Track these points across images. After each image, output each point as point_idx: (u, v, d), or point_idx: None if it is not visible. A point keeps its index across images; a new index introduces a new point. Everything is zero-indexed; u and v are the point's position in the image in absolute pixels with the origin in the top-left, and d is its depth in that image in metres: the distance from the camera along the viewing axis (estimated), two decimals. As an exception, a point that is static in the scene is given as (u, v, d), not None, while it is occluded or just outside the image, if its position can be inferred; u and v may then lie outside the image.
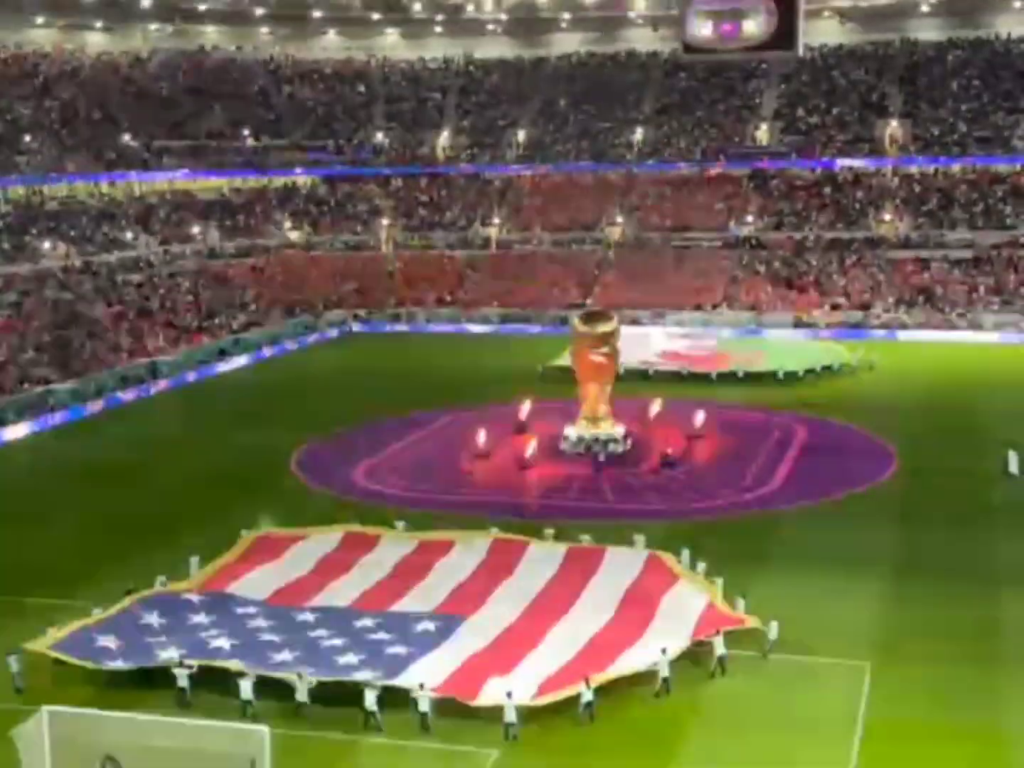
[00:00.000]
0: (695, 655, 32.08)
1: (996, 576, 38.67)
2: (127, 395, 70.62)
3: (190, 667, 31.15)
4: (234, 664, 31.04)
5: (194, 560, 39.29)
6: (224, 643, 33.13)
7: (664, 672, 30.86)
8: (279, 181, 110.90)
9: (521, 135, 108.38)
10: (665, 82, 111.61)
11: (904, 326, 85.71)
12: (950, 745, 28.17)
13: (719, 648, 31.99)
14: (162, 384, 73.90)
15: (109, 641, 33.10)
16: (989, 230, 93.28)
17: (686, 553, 38.60)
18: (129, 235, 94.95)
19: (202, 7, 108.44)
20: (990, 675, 31.66)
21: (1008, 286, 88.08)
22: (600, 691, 29.73)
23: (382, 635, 33.94)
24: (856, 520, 44.88)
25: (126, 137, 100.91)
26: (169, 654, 32.06)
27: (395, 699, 29.88)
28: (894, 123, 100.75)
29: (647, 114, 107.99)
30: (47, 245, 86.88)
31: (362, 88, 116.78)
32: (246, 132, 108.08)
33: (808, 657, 32.82)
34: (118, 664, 32.09)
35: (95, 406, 67.80)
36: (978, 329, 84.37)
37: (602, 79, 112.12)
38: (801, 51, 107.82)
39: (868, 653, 32.85)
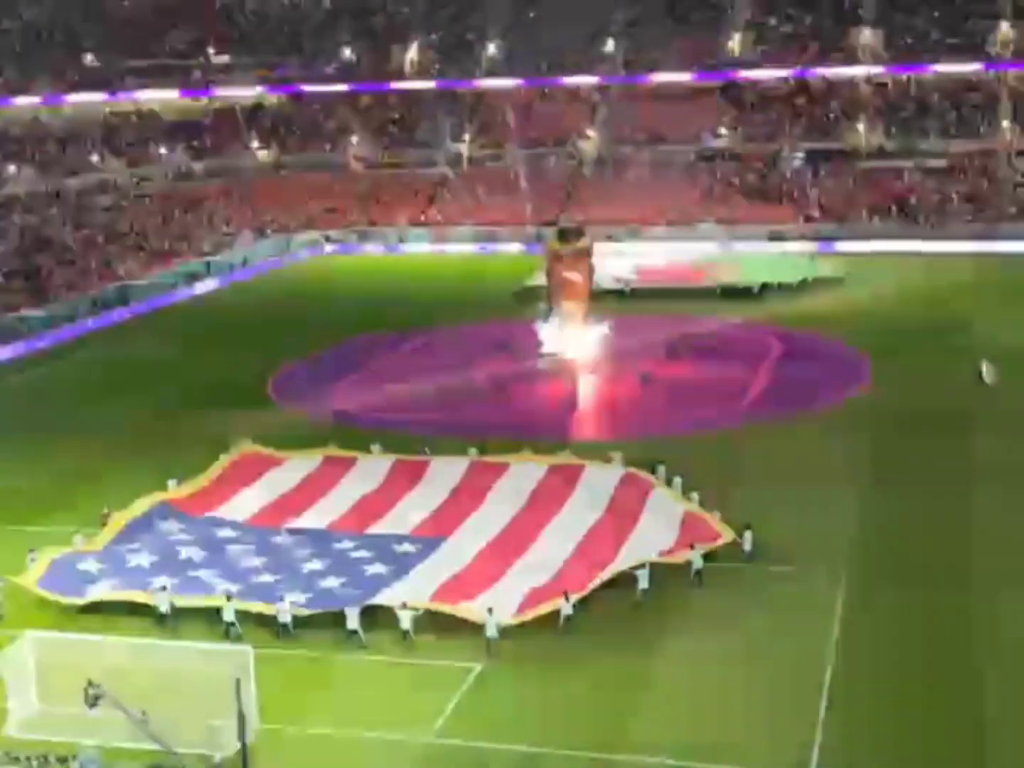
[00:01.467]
0: (672, 567, 32.34)
1: (969, 483, 39.05)
2: (100, 320, 70.09)
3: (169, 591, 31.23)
4: (220, 600, 30.95)
5: (172, 483, 39.30)
6: (208, 572, 33.12)
7: (643, 584, 31.18)
8: (246, 100, 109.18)
9: (491, 48, 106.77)
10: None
11: (878, 236, 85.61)
12: (924, 648, 28.64)
13: (697, 561, 32.29)
14: (134, 308, 73.33)
15: (92, 567, 33.19)
16: (963, 139, 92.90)
17: (662, 469, 38.81)
18: (96, 158, 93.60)
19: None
20: (964, 580, 32.11)
21: (981, 195, 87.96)
22: (579, 603, 30.04)
23: (363, 554, 34.10)
24: (832, 431, 45.18)
25: (89, 58, 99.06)
26: (156, 583, 32.01)
27: (377, 617, 30.11)
28: (867, 31, 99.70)
29: (619, 25, 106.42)
30: (12, 170, 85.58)
31: (328, 3, 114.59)
32: (212, 51, 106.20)
33: (784, 567, 33.18)
34: (101, 587, 32.19)
35: (68, 331, 67.27)
36: (952, 238, 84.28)
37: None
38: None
39: (844, 562, 33.25)
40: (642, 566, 31.53)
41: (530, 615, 29.84)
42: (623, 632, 30.03)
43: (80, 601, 31.77)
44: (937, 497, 37.98)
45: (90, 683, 25.70)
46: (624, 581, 31.55)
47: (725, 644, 29.36)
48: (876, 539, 35.02)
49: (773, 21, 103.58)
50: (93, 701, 25.75)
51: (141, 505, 37.28)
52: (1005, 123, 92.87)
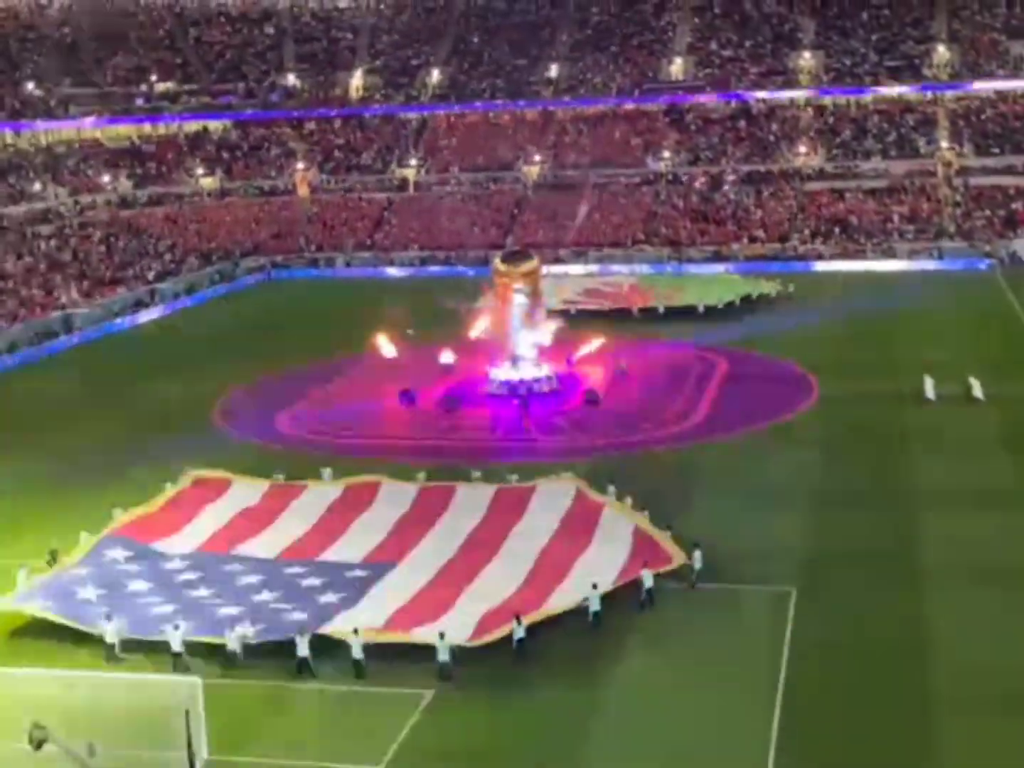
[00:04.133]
0: (624, 588, 32.38)
1: (914, 499, 39.45)
2: (41, 350, 69.28)
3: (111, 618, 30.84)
4: (168, 636, 30.55)
5: (117, 511, 38.87)
6: (159, 605, 32.68)
7: (595, 606, 31.18)
8: (190, 127, 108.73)
9: (435, 74, 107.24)
10: (578, 17, 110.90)
11: (820, 256, 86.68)
12: (875, 667, 28.80)
13: (647, 580, 32.35)
14: (77, 337, 72.60)
15: (38, 603, 32.70)
16: (902, 159, 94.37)
17: (612, 488, 38.90)
18: (38, 186, 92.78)
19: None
20: (912, 597, 32.36)
21: (921, 214, 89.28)
22: (531, 627, 29.97)
23: (313, 582, 33.87)
24: (778, 449, 45.48)
25: (30, 85, 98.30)
26: (106, 620, 31.54)
27: (328, 645, 29.90)
28: (807, 54, 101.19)
29: (562, 50, 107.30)
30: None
31: (271, 30, 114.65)
32: (154, 78, 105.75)
33: (735, 585, 33.32)
34: (48, 606, 31.69)
35: (9, 361, 66.44)
36: (893, 257, 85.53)
37: (515, 15, 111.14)
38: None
39: (793, 579, 33.42)
40: (593, 587, 31.54)
41: (484, 639, 29.72)
42: (576, 655, 29.97)
43: (24, 608, 31.24)
44: (885, 514, 38.29)
45: (35, 725, 25.25)
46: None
47: (677, 664, 29.41)
48: (825, 556, 35.21)
49: (713, 45, 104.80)
50: (38, 744, 25.33)
51: (88, 541, 36.77)
52: (943, 143, 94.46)
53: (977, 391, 50.27)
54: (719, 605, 32.39)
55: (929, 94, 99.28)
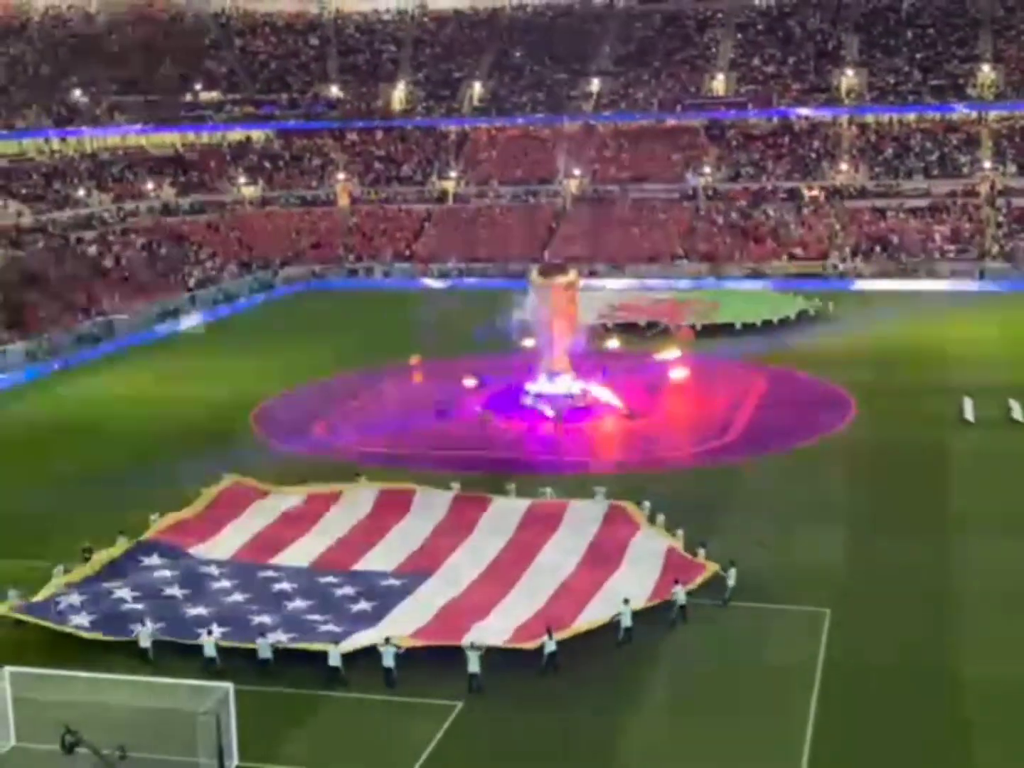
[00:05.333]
0: (657, 604, 32.28)
1: (952, 521, 39.14)
2: (83, 354, 69.89)
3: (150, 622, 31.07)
4: (201, 640, 30.74)
5: (154, 517, 39.14)
6: (192, 608, 32.93)
7: (626, 622, 31.09)
8: (233, 136, 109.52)
9: (477, 87, 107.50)
10: (621, 33, 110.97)
11: (860, 275, 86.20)
12: (908, 691, 28.55)
13: (680, 598, 32.23)
14: (118, 342, 73.17)
15: (74, 600, 32.92)
16: (944, 178, 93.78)
17: (647, 504, 38.79)
18: (82, 192, 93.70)
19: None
20: (948, 621, 32.09)
21: (963, 234, 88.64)
22: (563, 642, 29.92)
23: (347, 591, 33.97)
24: (815, 469, 45.24)
25: (76, 93, 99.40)
26: (140, 623, 31.74)
27: (359, 655, 29.95)
28: (850, 72, 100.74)
29: (604, 65, 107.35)
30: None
31: (315, 41, 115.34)
32: (198, 87, 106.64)
33: (768, 605, 33.14)
34: (83, 619, 31.86)
35: (51, 365, 67.07)
36: (934, 277, 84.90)
37: (558, 30, 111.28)
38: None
39: (828, 600, 33.21)
40: (625, 601, 31.44)
41: (516, 645, 29.80)
42: (606, 670, 29.90)
43: (59, 627, 31.47)
44: (922, 537, 37.98)
45: (67, 729, 25.42)
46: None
47: (707, 683, 29.27)
48: (861, 578, 34.98)
49: (756, 61, 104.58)
50: (70, 748, 25.50)
51: (123, 544, 37.07)
52: (987, 163, 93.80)
53: (1017, 413, 49.84)
54: (752, 624, 32.21)
55: (973, 113, 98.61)
